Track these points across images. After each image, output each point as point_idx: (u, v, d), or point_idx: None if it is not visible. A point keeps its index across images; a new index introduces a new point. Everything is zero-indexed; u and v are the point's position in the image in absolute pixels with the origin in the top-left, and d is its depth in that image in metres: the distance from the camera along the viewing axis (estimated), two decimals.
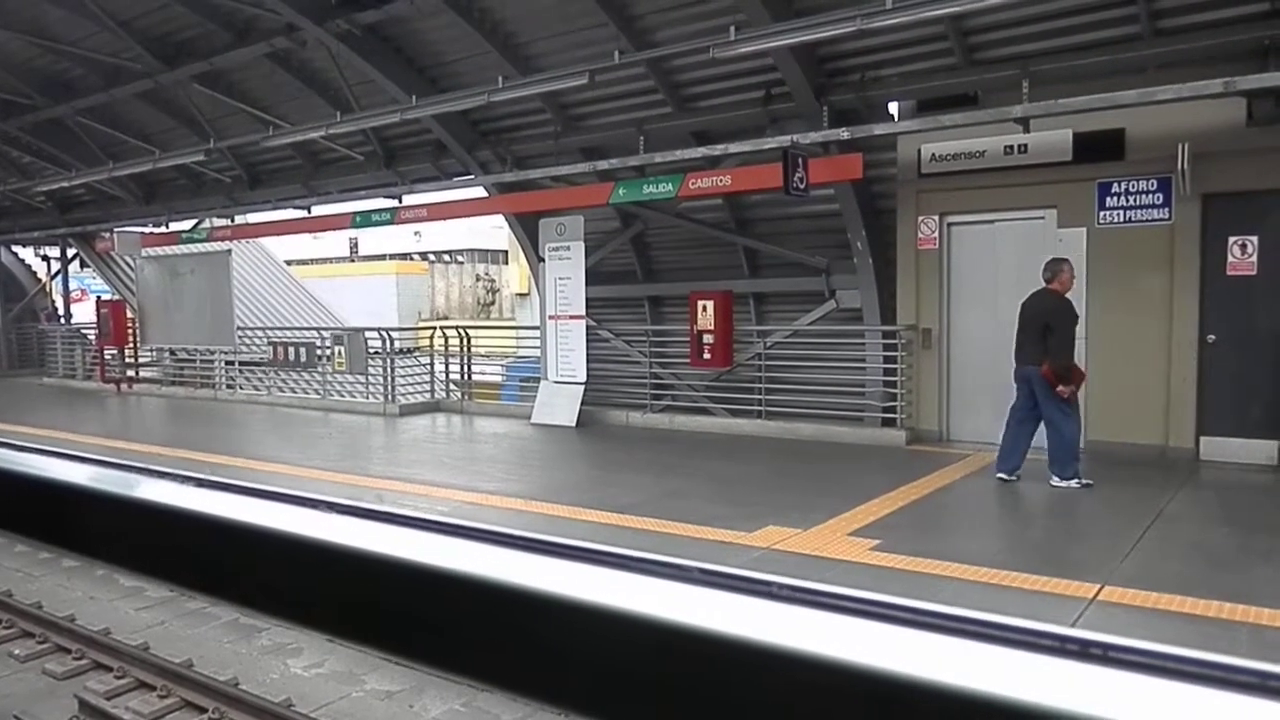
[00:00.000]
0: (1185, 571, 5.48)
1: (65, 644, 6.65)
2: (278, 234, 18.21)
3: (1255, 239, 8.44)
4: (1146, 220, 8.86)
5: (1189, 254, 8.69)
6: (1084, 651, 0.26)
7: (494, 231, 36.25)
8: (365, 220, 14.68)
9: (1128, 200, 8.95)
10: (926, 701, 0.27)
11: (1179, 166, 8.29)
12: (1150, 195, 8.83)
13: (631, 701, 0.35)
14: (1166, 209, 8.75)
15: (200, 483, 0.51)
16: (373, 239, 38.22)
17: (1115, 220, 9.01)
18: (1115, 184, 8.96)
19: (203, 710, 5.55)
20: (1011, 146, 9.38)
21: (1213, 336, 8.67)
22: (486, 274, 39.70)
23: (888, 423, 10.39)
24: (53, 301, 23.71)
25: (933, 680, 0.27)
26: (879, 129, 9.63)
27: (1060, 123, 8.80)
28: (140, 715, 5.51)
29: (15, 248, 23.41)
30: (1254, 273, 8.48)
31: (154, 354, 18.04)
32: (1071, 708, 0.25)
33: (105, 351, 17.65)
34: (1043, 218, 9.44)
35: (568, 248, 11.96)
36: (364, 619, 0.45)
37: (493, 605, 0.37)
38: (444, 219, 14.79)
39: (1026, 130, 8.77)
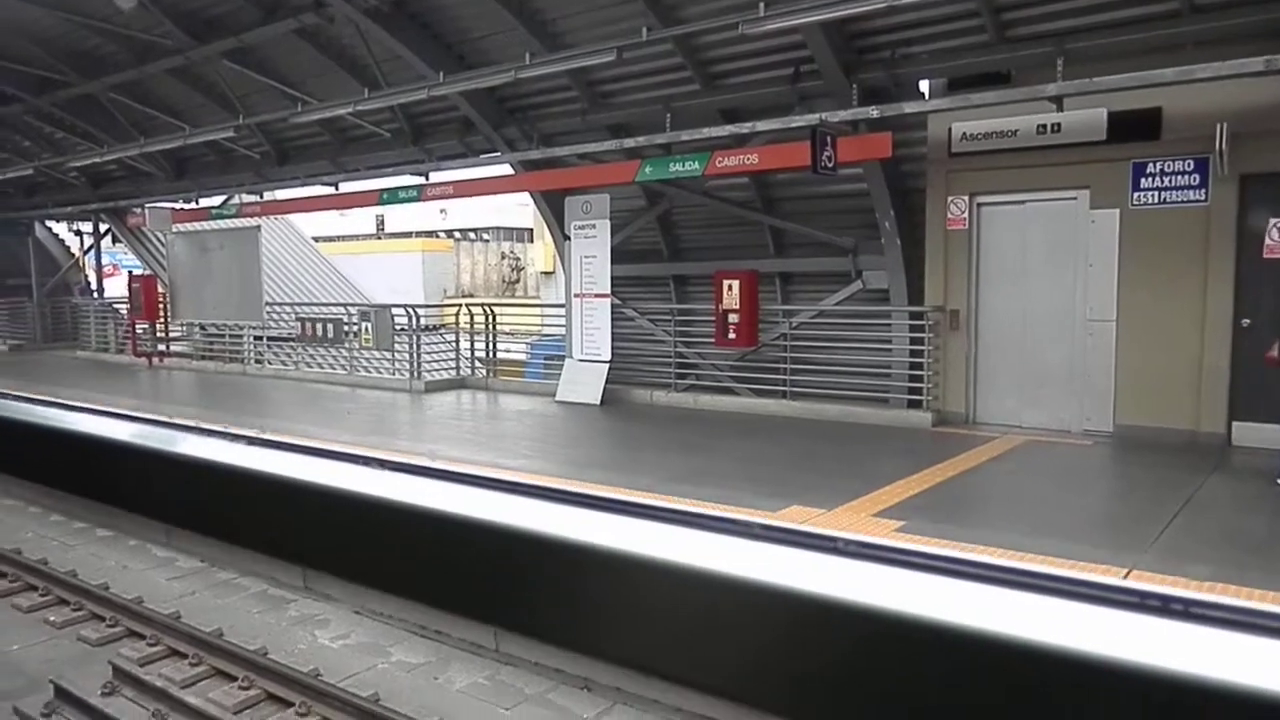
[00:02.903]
0: (1215, 557, 5.42)
1: (99, 611, 6.79)
2: (306, 210, 18.31)
3: None
4: (1182, 201, 8.70)
5: (1225, 236, 8.53)
6: (1165, 607, 0.25)
7: (519, 209, 36.26)
8: (392, 197, 14.72)
9: (1163, 181, 8.80)
10: (1002, 655, 0.26)
11: (1217, 146, 8.13)
12: (1186, 176, 8.67)
13: (700, 653, 0.35)
14: (1202, 190, 8.59)
15: (250, 441, 0.51)
16: (399, 216, 38.31)
17: (1149, 201, 8.86)
18: (1150, 164, 8.81)
19: (233, 679, 5.65)
20: (1044, 126, 9.23)
21: (1247, 320, 8.53)
22: (511, 252, 39.73)
23: (913, 404, 10.33)
24: (85, 276, 24.03)
25: (1008, 634, 0.26)
26: (909, 107, 9.51)
27: (1095, 101, 8.64)
28: (172, 682, 5.62)
29: (49, 223, 23.72)
30: None
31: (184, 329, 18.25)
32: (1155, 663, 0.24)
33: (137, 326, 17.89)
34: (1075, 198, 9.31)
35: (593, 226, 11.94)
36: (405, 571, 0.45)
37: (553, 561, 0.37)
38: (470, 196, 14.81)
39: (1060, 109, 8.62)
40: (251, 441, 0.52)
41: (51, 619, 6.78)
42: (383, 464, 0.46)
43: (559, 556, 0.38)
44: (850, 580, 0.30)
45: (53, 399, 0.66)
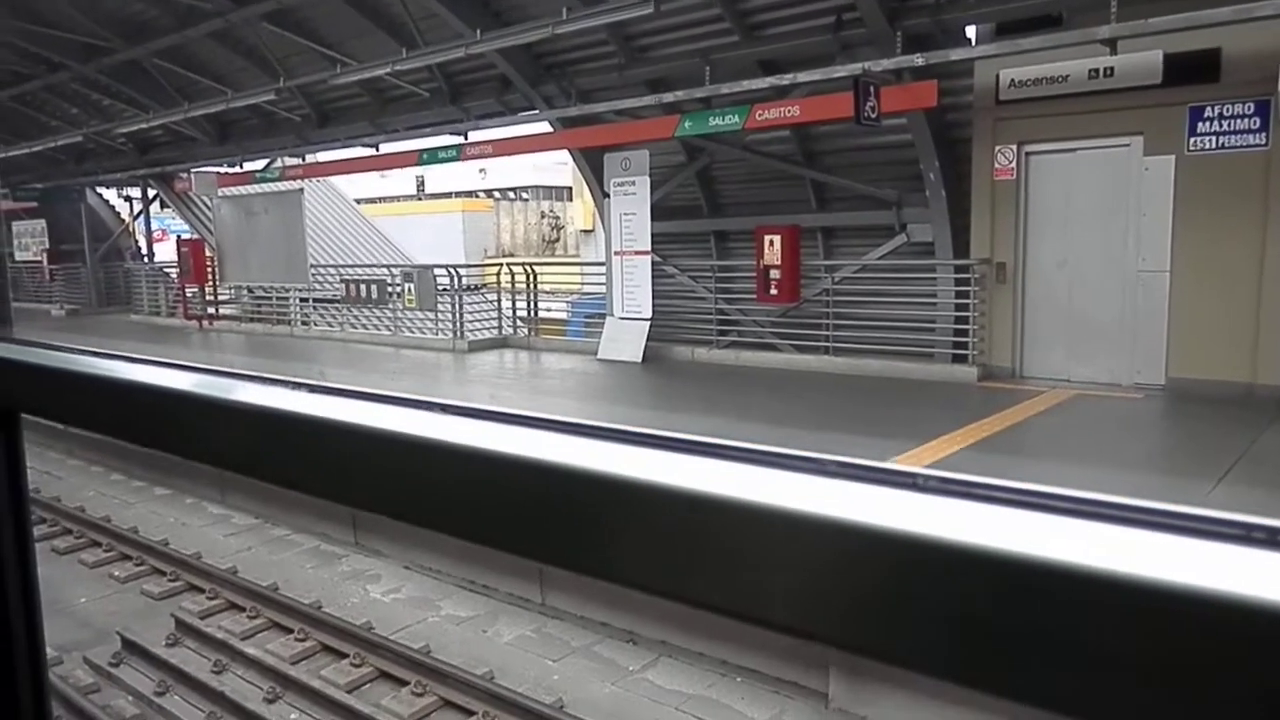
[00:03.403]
0: (1275, 512, 5.31)
1: (161, 566, 7.02)
2: (347, 172, 18.42)
3: None
4: (1241, 146, 8.40)
5: None
6: (1271, 539, 0.24)
7: (558, 168, 36.10)
8: (431, 157, 14.75)
9: (1221, 125, 8.49)
10: (1101, 591, 0.26)
11: None
12: (1246, 120, 8.36)
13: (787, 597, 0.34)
14: (1264, 134, 8.28)
15: (312, 388, 0.52)
16: (439, 177, 38.37)
17: (1207, 147, 8.57)
18: (1208, 108, 8.50)
19: (289, 631, 5.82)
20: (1096, 70, 8.93)
21: None
22: (551, 211, 39.69)
23: (958, 359, 10.20)
24: (136, 241, 24.49)
25: (1111, 570, 0.26)
26: (955, 54, 9.25)
27: (1150, 43, 8.33)
28: (232, 634, 5.80)
29: (99, 190, 24.16)
30: None
31: (232, 291, 18.56)
32: (1260, 594, 0.23)
33: (187, 289, 18.23)
34: (1128, 145, 9.03)
35: (633, 183, 11.87)
36: (469, 514, 0.46)
37: (617, 500, 0.37)
38: (509, 155, 14.78)
39: (1113, 52, 8.32)
40: (314, 389, 0.52)
41: (115, 574, 7.03)
42: (444, 408, 0.46)
43: (624, 495, 0.37)
44: (932, 515, 0.29)
45: (121, 353, 0.67)
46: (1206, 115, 8.52)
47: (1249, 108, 8.31)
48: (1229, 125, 8.45)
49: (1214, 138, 8.53)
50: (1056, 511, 0.29)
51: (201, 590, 6.50)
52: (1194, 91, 8.50)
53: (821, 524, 0.30)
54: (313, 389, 0.51)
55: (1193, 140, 8.61)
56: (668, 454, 0.37)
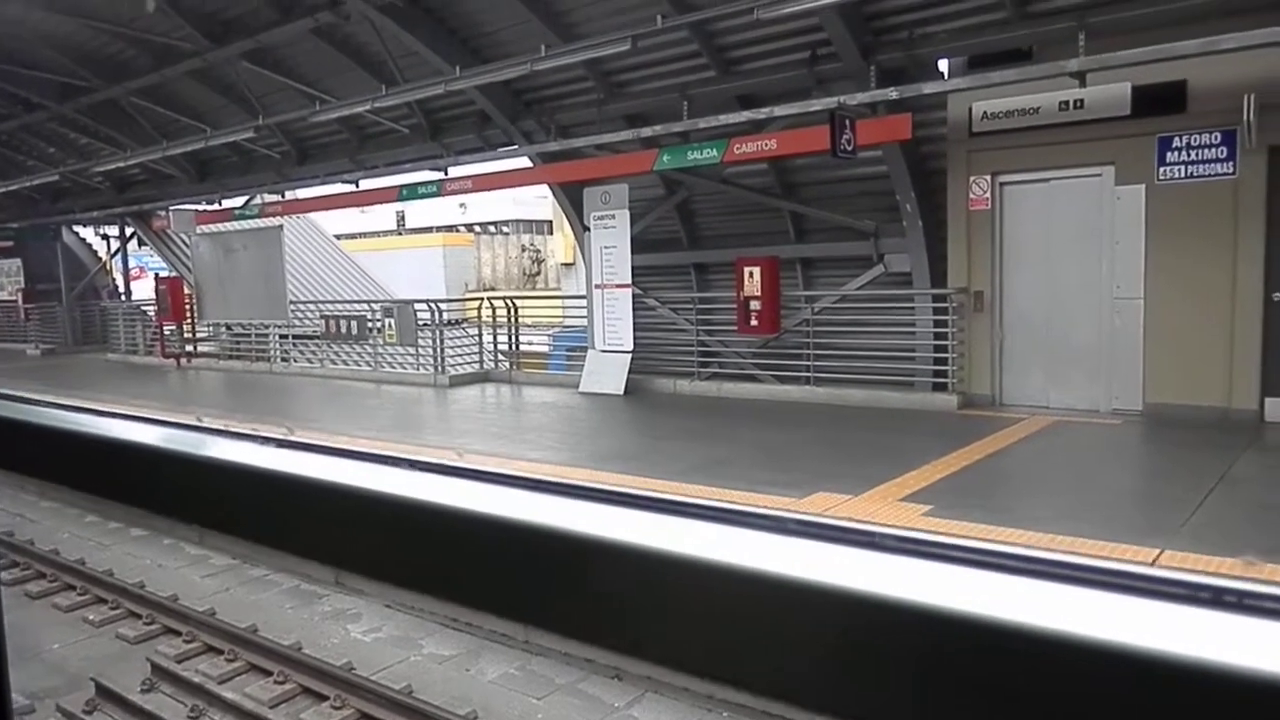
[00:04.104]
0: (1251, 535, 5.35)
1: (136, 609, 6.90)
2: (327, 208, 18.43)
3: None
4: (1209, 175, 8.56)
5: (1254, 209, 8.39)
6: (1217, 599, 0.25)
7: (538, 201, 36.24)
8: (412, 193, 14.78)
9: (1189, 155, 8.66)
10: (1050, 652, 0.26)
11: (1244, 118, 7.98)
12: (1213, 149, 8.53)
13: (720, 651, 0.34)
14: (1231, 163, 8.45)
15: (280, 443, 0.52)
16: (419, 212, 38.41)
17: (1176, 176, 8.72)
18: (1176, 138, 8.67)
19: (268, 673, 5.72)
20: (1067, 102, 9.10)
21: (1279, 295, 8.40)
22: (531, 244, 39.76)
23: (939, 387, 10.26)
24: (113, 279, 24.33)
25: (1056, 630, 0.26)
26: (928, 88, 9.41)
27: (1118, 76, 8.51)
28: (210, 678, 5.70)
29: (76, 227, 24.03)
30: None
31: (211, 329, 18.44)
32: (1209, 657, 0.24)
33: (165, 327, 18.10)
34: (1100, 175, 9.19)
35: (613, 216, 11.93)
36: (438, 571, 0.45)
37: (581, 558, 0.37)
38: (489, 190, 14.84)
39: (1083, 85, 8.49)
40: (280, 444, 0.52)
41: (90, 618, 6.89)
42: (413, 464, 0.46)
43: (587, 553, 0.38)
44: (887, 576, 0.29)
45: (86, 405, 0.67)
46: (1175, 145, 8.68)
47: (1216, 137, 8.48)
48: (1197, 155, 8.62)
49: (1183, 167, 8.69)
50: (1013, 571, 0.29)
51: (178, 633, 6.38)
52: (1162, 122, 8.67)
53: (778, 583, 0.31)
54: (280, 444, 0.50)
55: (1162, 169, 8.77)
56: (629, 511, 0.37)
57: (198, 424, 0.57)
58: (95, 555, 8.24)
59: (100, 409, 0.66)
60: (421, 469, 0.44)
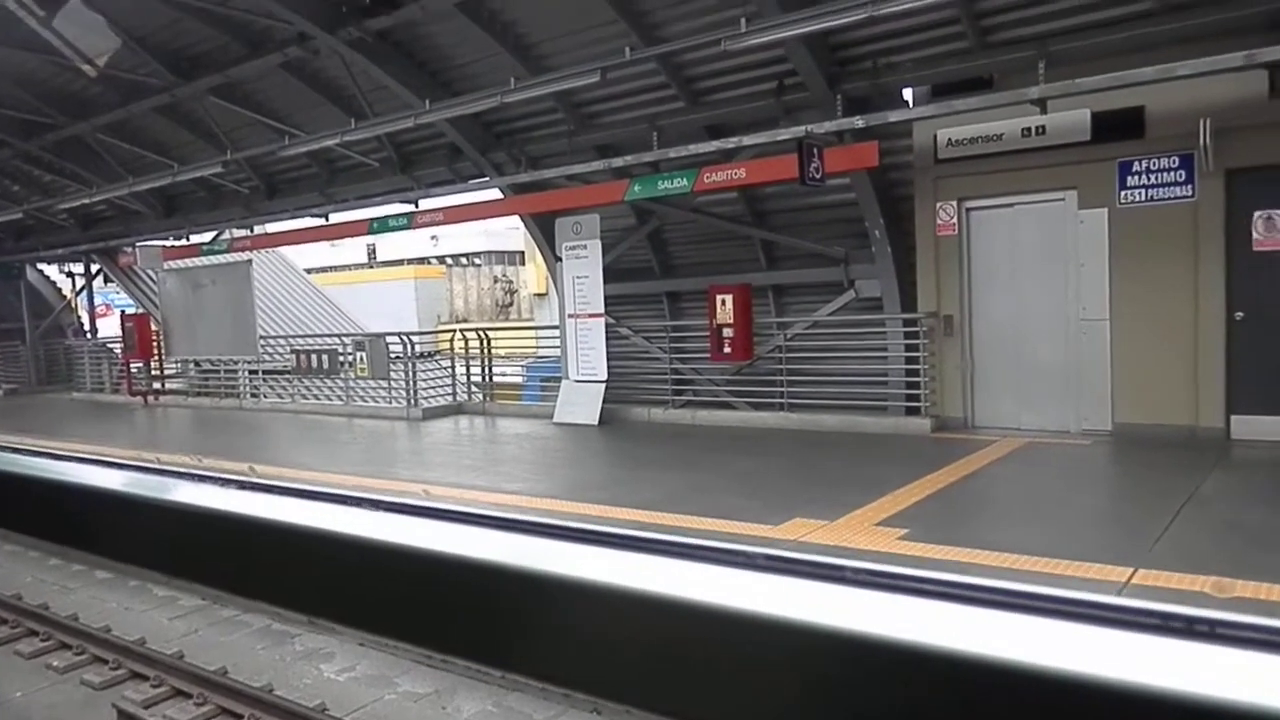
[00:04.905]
0: (1222, 552, 5.40)
1: (102, 654, 6.73)
2: (296, 242, 18.33)
3: None
4: (1169, 198, 8.74)
5: (1213, 230, 8.57)
6: (1189, 629, 0.24)
7: (510, 233, 36.31)
8: (382, 226, 14.75)
9: (1149, 179, 8.84)
10: (1023, 686, 0.25)
11: (1201, 142, 8.17)
12: (1172, 173, 8.72)
13: (692, 689, 0.34)
14: (1189, 186, 8.63)
15: (241, 485, 0.50)
16: (390, 244, 38.36)
17: (1137, 199, 8.90)
18: (1136, 162, 8.85)
19: (239, 716, 5.59)
20: (1029, 128, 9.28)
21: (1240, 313, 8.55)
22: (504, 275, 39.78)
23: (912, 411, 10.32)
24: (78, 317, 23.99)
25: (1028, 663, 0.25)
26: (893, 116, 9.56)
27: (1078, 103, 8.69)
28: None
29: (40, 265, 23.70)
30: None
31: (179, 366, 18.21)
32: (1181, 687, 0.23)
33: (131, 365, 17.84)
34: (1063, 199, 9.35)
35: (584, 246, 11.96)
36: (406, 614, 0.44)
37: (552, 597, 0.36)
38: (460, 221, 14.83)
39: (1044, 111, 8.67)
40: (242, 485, 0.51)
41: (54, 664, 6.71)
42: (375, 504, 0.45)
43: (555, 592, 0.37)
44: (858, 611, 0.29)
45: (42, 449, 0.65)
46: (1135, 169, 8.87)
47: (1174, 161, 8.67)
48: (1156, 178, 8.80)
49: (1143, 190, 8.87)
50: (985, 604, 0.28)
51: (145, 678, 6.23)
52: (1122, 147, 8.86)
53: (748, 620, 0.30)
54: (242, 485, 0.49)
55: (1123, 193, 8.94)
56: (596, 549, 0.36)
57: (156, 466, 0.56)
58: (59, 600, 8.04)
59: (53, 451, 0.65)
60: (385, 509, 0.43)
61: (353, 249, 39.25)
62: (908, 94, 10.29)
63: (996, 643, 0.26)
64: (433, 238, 38.14)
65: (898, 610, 0.29)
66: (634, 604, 0.34)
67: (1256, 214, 8.38)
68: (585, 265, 11.97)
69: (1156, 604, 0.26)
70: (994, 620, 0.27)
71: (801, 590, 0.31)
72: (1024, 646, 0.26)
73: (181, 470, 0.55)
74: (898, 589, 0.30)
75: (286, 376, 16.41)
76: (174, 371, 18.26)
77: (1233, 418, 8.61)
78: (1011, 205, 9.71)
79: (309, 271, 27.93)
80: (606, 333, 11.97)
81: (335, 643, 6.87)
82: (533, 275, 34.00)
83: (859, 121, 9.54)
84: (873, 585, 0.30)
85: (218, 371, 17.24)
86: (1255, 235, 8.41)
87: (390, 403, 14.25)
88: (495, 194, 13.71)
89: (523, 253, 36.48)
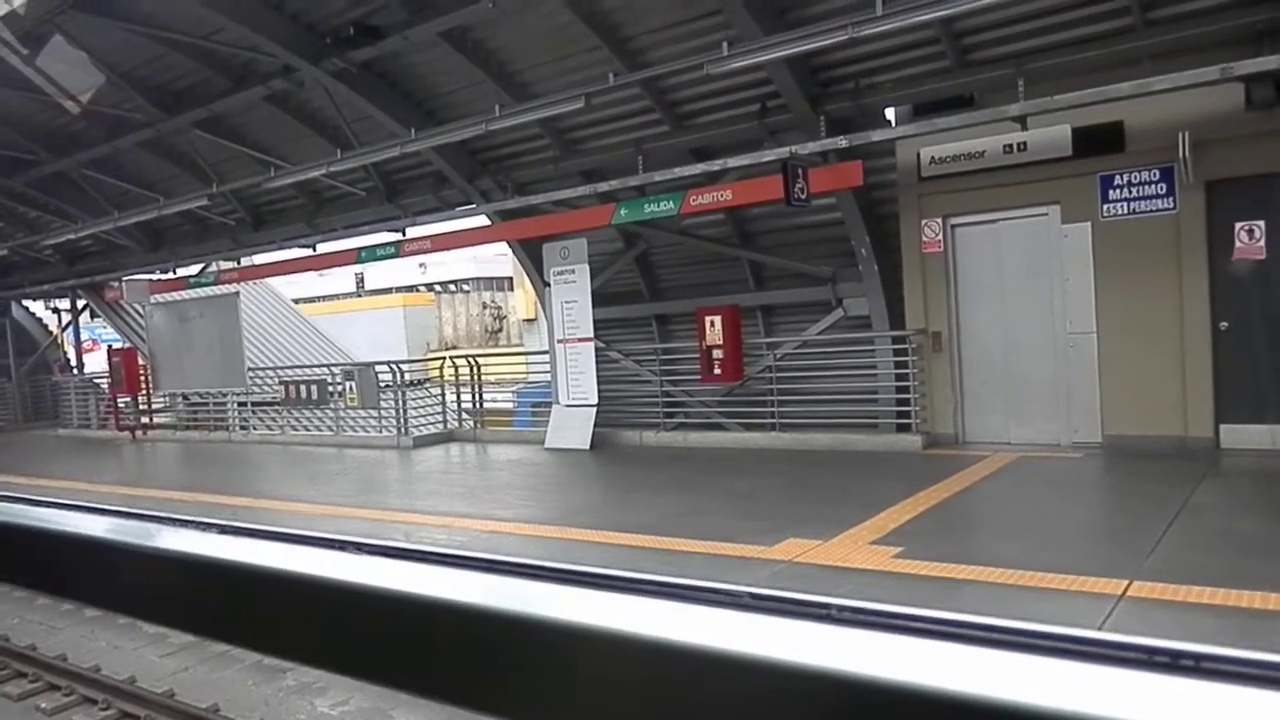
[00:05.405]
0: (1215, 563, 5.41)
1: (92, 695, 6.65)
2: (284, 273, 18.30)
3: (1262, 223, 8.40)
4: (1151, 211, 8.82)
5: (1196, 242, 8.64)
6: (1174, 664, 0.24)
7: (498, 259, 36.40)
8: (370, 255, 14.75)
9: (1131, 192, 8.92)
10: None
11: (1180, 155, 8.27)
12: (1153, 185, 8.81)
13: None
14: (1170, 198, 8.72)
15: (222, 529, 0.50)
16: (378, 273, 38.42)
17: (1119, 212, 8.98)
18: (1117, 176, 8.94)
19: None
20: (1011, 145, 9.37)
21: (1225, 323, 8.62)
22: (493, 301, 39.80)
23: (903, 428, 10.33)
24: (64, 353, 23.86)
25: (1018, 703, 0.25)
26: (876, 135, 9.64)
27: (1058, 119, 8.79)
28: None
29: (25, 302, 23.60)
30: (1263, 256, 8.44)
31: (167, 399, 18.11)
32: None
33: (118, 400, 17.72)
34: (1046, 214, 9.42)
35: (572, 271, 11.98)
36: (392, 659, 0.44)
37: (530, 639, 0.36)
38: (448, 249, 14.85)
39: (1025, 128, 8.76)
40: (223, 530, 0.50)
41: (43, 705, 6.62)
42: (359, 547, 0.45)
43: (545, 636, 0.36)
44: (845, 650, 0.29)
45: (20, 496, 0.64)
46: (1116, 183, 8.95)
47: (1155, 174, 8.76)
48: (1138, 192, 8.88)
49: (1125, 204, 8.95)
50: (974, 642, 0.28)
51: (136, 718, 6.15)
52: (1103, 161, 8.95)
53: (733, 661, 0.30)
54: (223, 530, 0.49)
55: (1106, 207, 9.02)
56: (575, 589, 0.36)
57: (138, 511, 0.55)
58: (47, 640, 7.94)
59: (32, 497, 0.64)
60: (369, 552, 0.43)
61: (341, 278, 39.29)
62: (890, 113, 10.38)
63: (986, 681, 0.26)
64: (421, 265, 38.21)
65: (885, 649, 0.29)
66: (620, 646, 0.33)
67: (1239, 224, 8.46)
68: (573, 290, 11.98)
69: (1141, 639, 0.26)
70: (983, 659, 0.27)
71: (788, 631, 0.30)
72: (1013, 686, 0.26)
73: (163, 516, 0.55)
74: (884, 627, 0.30)
75: (276, 408, 16.33)
76: (162, 405, 18.15)
77: (1222, 427, 8.65)
78: (995, 221, 9.78)
79: (297, 302, 27.90)
80: (596, 356, 11.97)
81: (328, 677, 6.79)
82: (521, 301, 34.06)
83: (843, 141, 9.62)
84: (859, 624, 0.30)
85: (206, 404, 17.14)
86: (1238, 245, 8.49)
87: (381, 432, 14.19)
88: (482, 221, 13.75)
89: (511, 279, 36.57)
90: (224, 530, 0.50)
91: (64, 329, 23.06)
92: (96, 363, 22.67)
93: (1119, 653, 0.25)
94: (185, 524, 0.53)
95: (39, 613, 8.97)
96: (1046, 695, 0.25)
